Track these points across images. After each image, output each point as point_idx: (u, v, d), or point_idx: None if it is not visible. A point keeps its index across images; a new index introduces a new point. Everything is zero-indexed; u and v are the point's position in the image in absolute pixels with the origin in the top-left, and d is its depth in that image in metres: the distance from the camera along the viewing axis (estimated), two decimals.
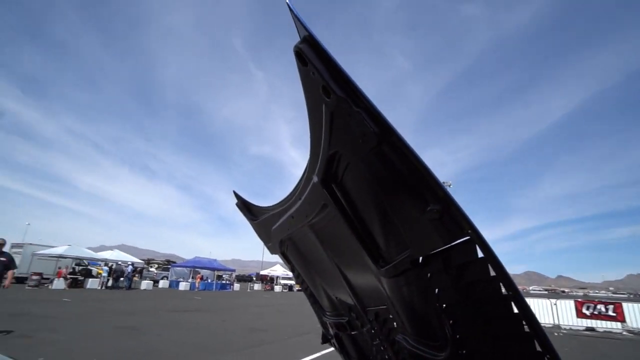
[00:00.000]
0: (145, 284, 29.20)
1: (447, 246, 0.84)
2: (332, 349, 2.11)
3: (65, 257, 27.13)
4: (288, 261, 1.82)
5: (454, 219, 0.77)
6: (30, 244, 28.14)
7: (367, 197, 0.98)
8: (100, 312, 12.41)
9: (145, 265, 41.41)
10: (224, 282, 38.50)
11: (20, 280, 23.70)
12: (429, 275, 0.94)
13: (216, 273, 39.01)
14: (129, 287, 26.58)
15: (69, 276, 24.13)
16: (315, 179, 1.06)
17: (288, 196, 1.40)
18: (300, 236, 1.48)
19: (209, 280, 35.86)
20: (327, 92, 0.77)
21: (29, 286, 22.00)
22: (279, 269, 51.62)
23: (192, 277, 34.35)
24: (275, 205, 1.54)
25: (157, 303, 17.57)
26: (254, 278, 57.05)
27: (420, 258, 0.93)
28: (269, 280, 50.00)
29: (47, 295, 17.83)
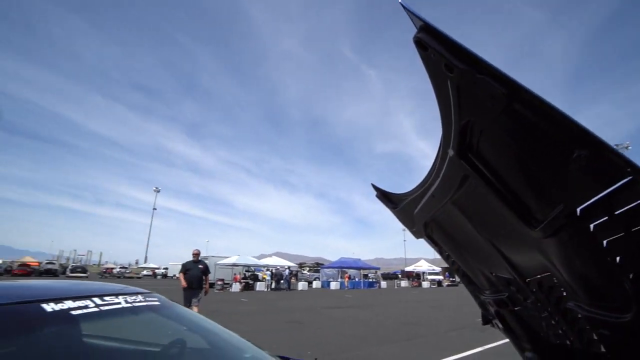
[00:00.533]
0: (301, 285, 32.14)
1: (606, 192, 0.78)
2: (494, 343, 1.75)
3: (237, 265, 32.37)
4: (435, 243, 1.81)
5: (607, 161, 0.72)
6: (212, 256, 34.70)
7: (507, 158, 0.98)
8: (270, 310, 14.19)
9: (299, 269, 45.92)
10: (370, 280, 39.31)
11: (210, 285, 29.36)
12: (591, 228, 0.86)
13: (362, 272, 40.17)
14: (289, 288, 29.77)
15: (242, 281, 28.66)
16: (451, 152, 1.04)
17: (425, 178, 1.39)
18: (444, 216, 1.45)
19: (356, 279, 37.14)
20: (450, 68, 0.79)
21: (216, 290, 27.01)
22: (423, 264, 49.68)
23: (341, 277, 36.20)
24: (414, 189, 1.53)
25: (314, 301, 19.01)
26: (399, 275, 56.48)
27: (578, 211, 0.86)
28: (415, 277, 48.58)
29: (229, 296, 21.42)
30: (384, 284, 40.73)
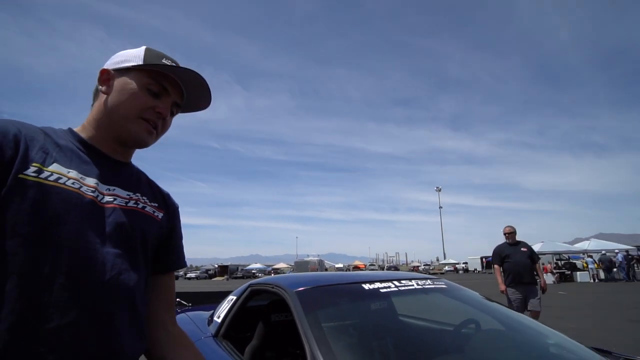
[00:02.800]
0: None
1: None
2: None
3: (544, 253, 28.30)
4: None
5: None
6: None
7: None
8: (600, 304, 11.46)
9: None
10: None
11: None
12: None
13: None
14: (630, 279, 22.76)
15: (555, 271, 24.71)
16: None
17: None
18: None
19: None
20: None
21: None
22: None
23: None
24: None
25: None
26: None
27: None
28: None
29: None
30: None
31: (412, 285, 1.85)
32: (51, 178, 0.66)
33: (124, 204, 0.78)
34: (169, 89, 0.82)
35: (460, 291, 2.05)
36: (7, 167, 0.63)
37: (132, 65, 0.80)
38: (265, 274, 51.34)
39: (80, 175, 0.72)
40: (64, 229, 0.64)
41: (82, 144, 0.79)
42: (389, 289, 1.72)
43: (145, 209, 0.83)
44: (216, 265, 64.18)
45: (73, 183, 0.69)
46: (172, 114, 0.87)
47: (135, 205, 0.81)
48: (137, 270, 0.75)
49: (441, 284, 2.02)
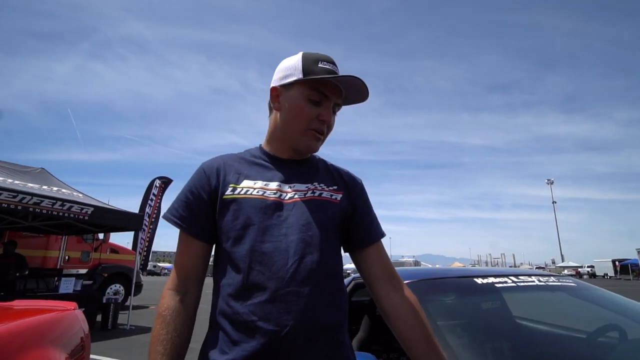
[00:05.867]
0: None
1: None
2: None
3: None
4: None
5: None
6: None
7: None
8: None
9: None
10: None
11: None
12: None
13: None
14: None
15: None
16: None
17: None
18: None
19: None
20: None
21: None
22: None
23: None
24: None
25: None
26: None
27: None
28: None
29: None
30: None
31: (533, 282, 1.66)
32: (242, 192, 0.88)
33: (303, 196, 0.91)
34: (328, 94, 0.91)
35: (595, 291, 1.76)
36: (215, 192, 0.90)
37: (295, 80, 0.90)
38: None
39: (265, 183, 0.91)
40: (253, 228, 0.84)
41: (267, 155, 0.98)
42: (504, 285, 1.57)
43: (323, 195, 0.93)
44: None
45: (258, 191, 0.89)
46: (334, 113, 0.97)
47: (313, 194, 0.92)
48: (321, 251, 0.85)
49: (569, 282, 1.77)
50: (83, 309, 2.54)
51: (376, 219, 1.03)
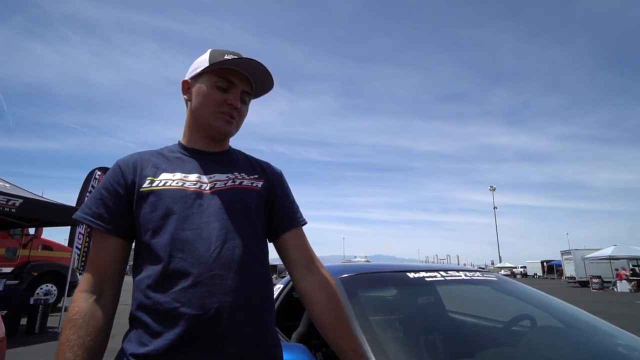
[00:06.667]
0: None
1: None
2: None
3: (616, 258, 25.52)
4: None
5: None
6: (576, 249, 29.43)
7: None
8: None
9: None
10: None
11: (583, 284, 25.02)
12: None
13: None
14: None
15: (631, 278, 22.16)
16: None
17: None
18: None
19: None
20: None
21: (593, 289, 22.46)
22: None
23: None
24: None
25: None
26: None
27: None
28: None
29: (614, 297, 17.16)
30: None
31: (460, 276, 1.79)
32: (160, 184, 0.88)
33: (223, 185, 0.92)
34: (235, 81, 0.94)
35: (512, 285, 1.94)
36: (132, 186, 0.88)
37: (201, 70, 0.94)
38: None
39: (184, 175, 0.91)
40: (173, 217, 0.84)
41: (184, 148, 0.99)
42: (434, 278, 1.68)
43: (243, 183, 0.95)
44: None
45: (177, 182, 0.89)
46: (245, 102, 1.00)
47: (233, 183, 0.94)
48: (243, 237, 0.87)
49: (491, 277, 1.93)
50: (4, 312, 2.31)
51: (297, 206, 1.06)
